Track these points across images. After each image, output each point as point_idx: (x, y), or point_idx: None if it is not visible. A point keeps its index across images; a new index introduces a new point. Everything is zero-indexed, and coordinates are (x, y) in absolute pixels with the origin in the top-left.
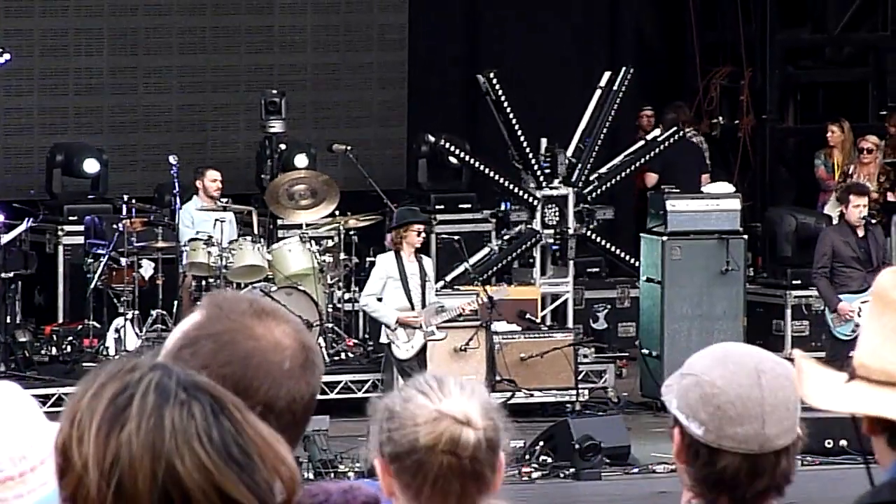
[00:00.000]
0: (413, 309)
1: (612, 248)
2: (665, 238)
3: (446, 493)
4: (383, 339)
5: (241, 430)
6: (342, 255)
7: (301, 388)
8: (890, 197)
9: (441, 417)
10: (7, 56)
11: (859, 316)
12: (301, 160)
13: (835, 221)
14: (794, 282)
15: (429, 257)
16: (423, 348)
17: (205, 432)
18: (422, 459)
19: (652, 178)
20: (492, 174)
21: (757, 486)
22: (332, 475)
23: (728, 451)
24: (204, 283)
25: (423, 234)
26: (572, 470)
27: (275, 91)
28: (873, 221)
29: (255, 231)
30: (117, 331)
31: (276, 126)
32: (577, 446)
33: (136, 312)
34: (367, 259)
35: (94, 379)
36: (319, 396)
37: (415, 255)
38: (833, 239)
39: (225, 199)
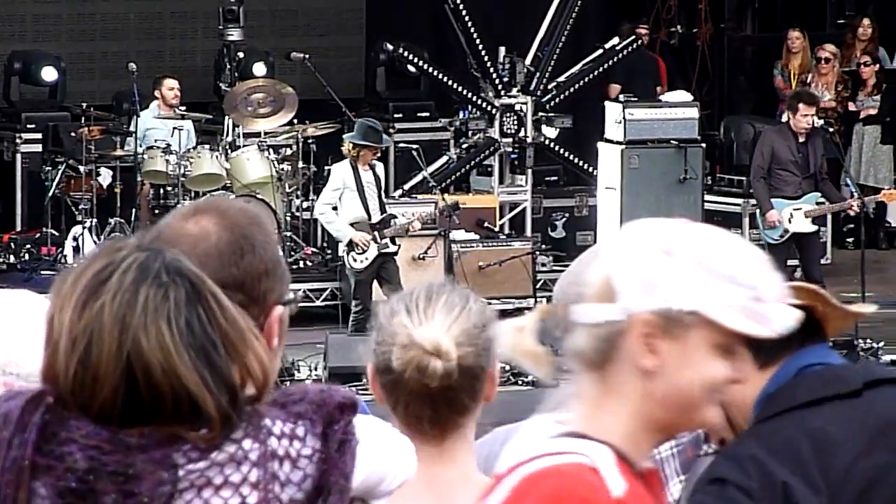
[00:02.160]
0: (370, 217)
1: (570, 157)
2: (623, 146)
3: (418, 415)
4: (341, 250)
5: (213, 318)
6: (300, 164)
7: (231, 272)
8: (851, 107)
9: (410, 345)
10: None
11: (789, 222)
12: (259, 68)
13: None
14: (751, 190)
15: (380, 163)
16: (377, 259)
17: (174, 314)
18: (395, 380)
19: (615, 89)
20: (450, 82)
21: None
22: (289, 383)
23: None
24: (162, 191)
25: (378, 153)
26: (530, 377)
27: None
28: (830, 130)
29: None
30: (75, 239)
31: (234, 34)
32: None
33: (95, 220)
34: (325, 168)
35: (87, 256)
36: None
37: (367, 165)
38: (773, 140)
39: (182, 108)
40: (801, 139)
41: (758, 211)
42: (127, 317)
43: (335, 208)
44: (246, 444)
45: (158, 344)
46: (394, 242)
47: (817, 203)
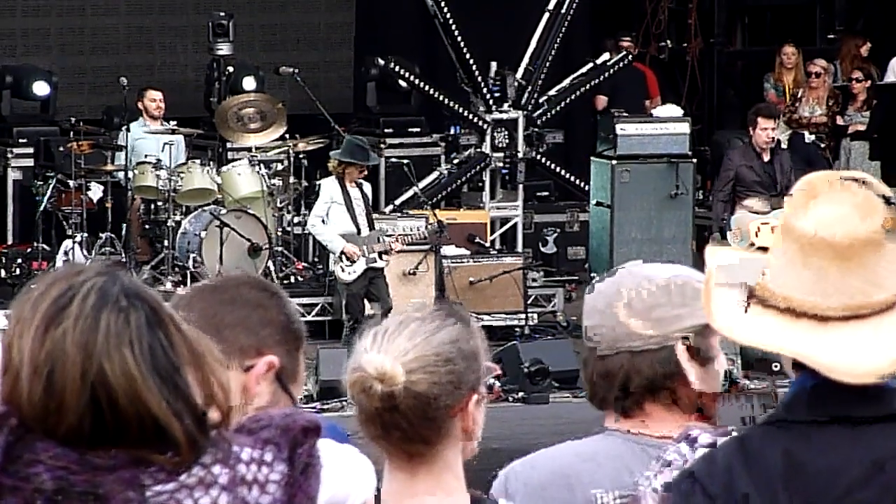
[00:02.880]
0: (359, 232)
1: (562, 172)
2: (614, 162)
3: (372, 436)
4: (331, 265)
5: (174, 342)
6: (291, 179)
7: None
8: (839, 121)
9: (357, 368)
10: None
11: (756, 236)
12: (249, 83)
13: (783, 145)
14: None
15: (367, 182)
16: (366, 272)
17: (136, 339)
18: (355, 401)
19: (602, 101)
20: (441, 97)
21: None
22: None
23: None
24: (153, 206)
25: (365, 172)
26: (521, 393)
27: (223, 13)
28: (821, 145)
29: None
30: (66, 253)
31: (224, 49)
32: (526, 370)
33: (85, 235)
34: (316, 183)
35: (42, 280)
36: None
37: (354, 182)
38: (736, 163)
39: (172, 122)
40: (766, 157)
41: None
42: (90, 344)
43: (325, 222)
44: (215, 469)
45: (122, 371)
46: (381, 258)
47: None
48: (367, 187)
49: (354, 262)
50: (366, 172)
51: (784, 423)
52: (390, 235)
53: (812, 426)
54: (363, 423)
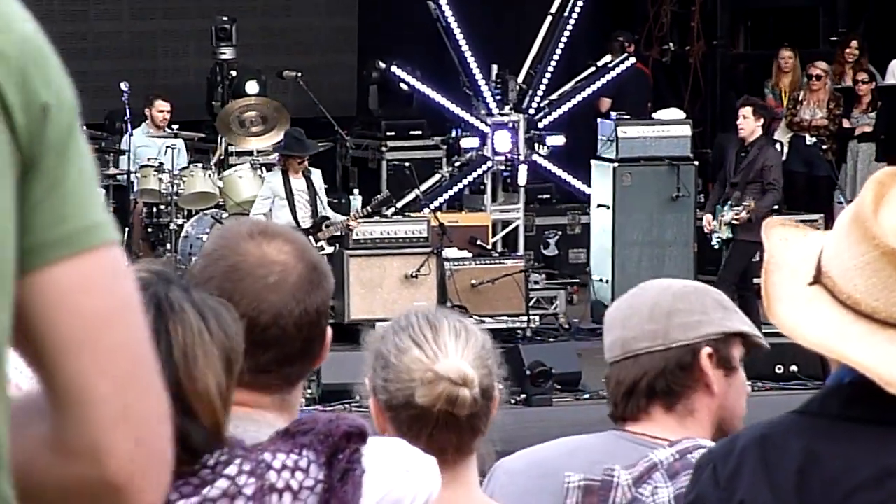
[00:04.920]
0: (299, 225)
1: (562, 175)
2: (616, 164)
3: (442, 446)
4: None
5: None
6: None
7: (288, 303)
8: (845, 123)
9: (437, 380)
10: None
11: (720, 229)
12: (252, 87)
13: (785, 148)
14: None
15: (317, 169)
16: None
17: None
18: (418, 415)
19: (606, 103)
20: (442, 100)
21: None
22: None
23: None
24: (155, 209)
25: (306, 163)
26: (523, 396)
27: (225, 17)
28: (823, 147)
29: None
30: None
31: (227, 53)
32: (528, 372)
33: None
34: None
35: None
36: None
37: (302, 172)
38: (723, 147)
39: (175, 126)
40: (746, 147)
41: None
42: None
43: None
44: (241, 480)
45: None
46: (331, 244)
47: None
48: (317, 176)
49: None
50: (306, 162)
51: (814, 416)
52: (331, 224)
53: (839, 421)
54: (428, 435)
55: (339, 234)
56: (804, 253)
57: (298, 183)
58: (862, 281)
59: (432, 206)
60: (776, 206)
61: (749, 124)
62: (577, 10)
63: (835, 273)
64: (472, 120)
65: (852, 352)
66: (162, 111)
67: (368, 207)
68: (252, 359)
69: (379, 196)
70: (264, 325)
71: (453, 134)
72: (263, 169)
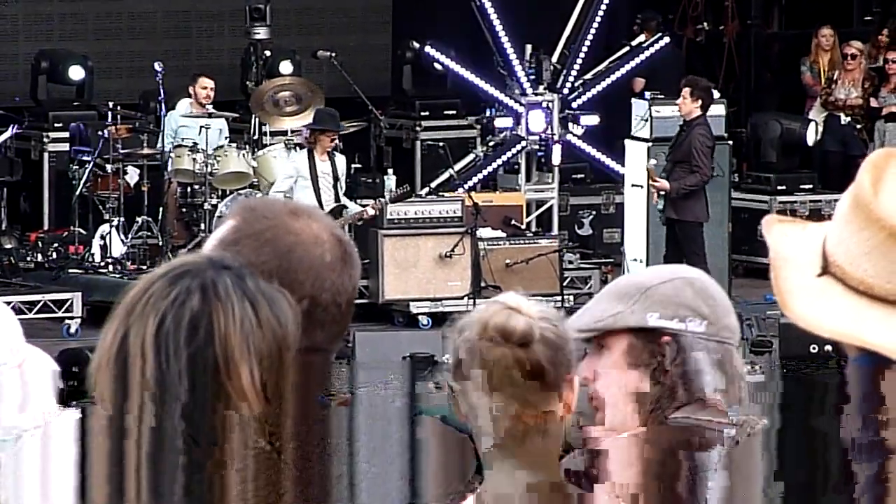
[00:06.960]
0: (322, 208)
1: (597, 155)
2: (650, 144)
3: (509, 392)
4: None
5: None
6: None
7: (344, 282)
8: (873, 103)
9: (491, 304)
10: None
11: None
12: (286, 67)
13: (820, 127)
14: (778, 187)
15: (342, 156)
16: None
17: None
18: (474, 348)
19: (640, 83)
20: (476, 80)
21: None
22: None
23: (723, 342)
24: (189, 189)
25: (336, 140)
26: None
27: None
28: (857, 126)
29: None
30: (103, 237)
31: (261, 33)
32: None
33: (122, 219)
34: (352, 166)
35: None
36: None
37: (328, 154)
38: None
39: (210, 106)
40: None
41: None
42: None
43: (289, 198)
44: None
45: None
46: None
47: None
48: (341, 161)
49: None
50: (336, 141)
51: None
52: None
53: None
54: (487, 378)
55: (351, 223)
56: (807, 245)
57: (324, 165)
58: (871, 265)
59: (466, 186)
60: (785, 189)
61: (686, 104)
62: None
63: (842, 261)
64: (506, 100)
65: (872, 335)
66: (205, 88)
67: (387, 199)
68: (308, 338)
69: (398, 189)
70: (325, 304)
71: (487, 114)
72: (297, 149)
